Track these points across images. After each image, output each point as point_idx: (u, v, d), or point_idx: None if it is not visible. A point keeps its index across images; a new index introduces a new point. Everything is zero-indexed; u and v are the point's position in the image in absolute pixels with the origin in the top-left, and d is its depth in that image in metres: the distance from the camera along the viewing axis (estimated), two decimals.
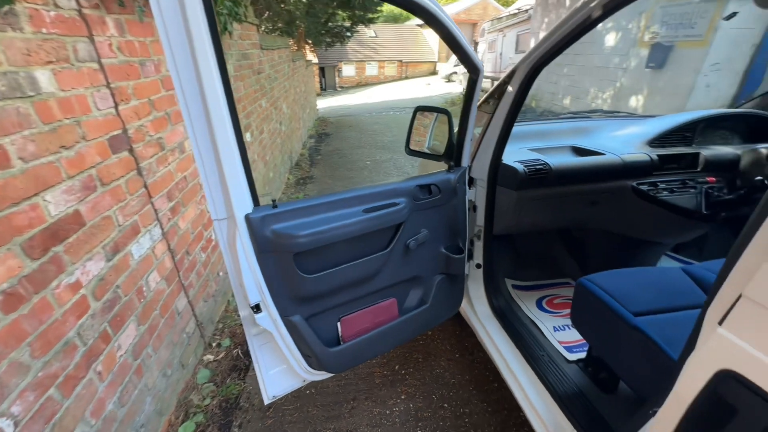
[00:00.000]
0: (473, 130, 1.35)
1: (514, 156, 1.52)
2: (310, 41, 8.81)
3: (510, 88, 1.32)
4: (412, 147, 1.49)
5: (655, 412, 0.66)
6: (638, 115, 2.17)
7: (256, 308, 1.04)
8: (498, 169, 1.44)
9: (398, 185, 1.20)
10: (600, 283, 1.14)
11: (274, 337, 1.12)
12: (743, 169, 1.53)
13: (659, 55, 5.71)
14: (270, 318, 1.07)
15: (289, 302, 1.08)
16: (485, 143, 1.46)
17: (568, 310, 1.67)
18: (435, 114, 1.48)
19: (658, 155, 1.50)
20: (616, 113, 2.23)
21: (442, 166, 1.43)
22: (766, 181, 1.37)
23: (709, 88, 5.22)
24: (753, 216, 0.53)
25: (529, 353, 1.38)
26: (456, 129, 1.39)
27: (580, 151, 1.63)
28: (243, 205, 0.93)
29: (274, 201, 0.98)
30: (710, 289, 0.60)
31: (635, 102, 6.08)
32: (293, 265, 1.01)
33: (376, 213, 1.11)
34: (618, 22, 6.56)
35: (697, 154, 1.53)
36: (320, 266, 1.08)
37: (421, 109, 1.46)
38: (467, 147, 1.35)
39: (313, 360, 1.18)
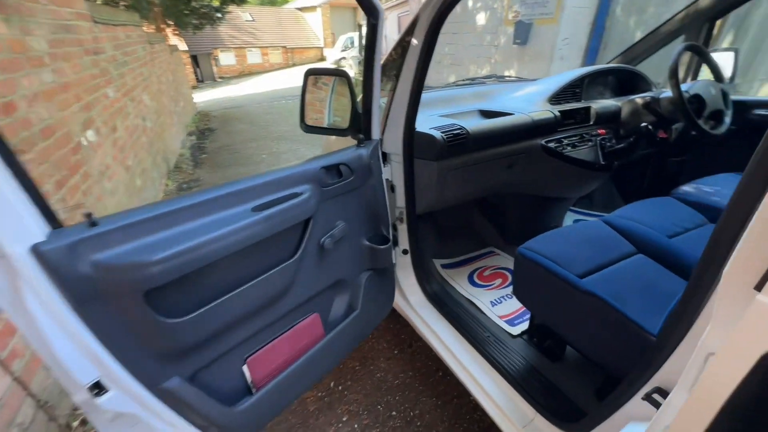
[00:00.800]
0: (380, 96, 1.13)
1: (427, 123, 1.35)
2: (171, 22, 7.49)
3: (414, 41, 1.13)
4: (308, 122, 1.20)
5: (655, 401, 0.55)
6: (527, 79, 2.24)
7: (97, 388, 0.65)
8: (413, 140, 1.26)
9: (297, 169, 0.91)
10: (538, 249, 1.05)
11: (144, 419, 0.74)
12: (624, 119, 1.65)
13: (522, 32, 6.33)
14: (128, 395, 0.69)
15: (156, 364, 0.71)
16: (395, 111, 1.25)
17: (499, 281, 1.62)
18: (333, 78, 1.21)
19: (559, 111, 1.50)
20: (507, 77, 2.27)
21: (348, 142, 1.18)
22: (650, 127, 1.48)
23: (563, 60, 6.00)
24: (760, 151, 0.41)
25: (473, 337, 1.26)
26: (361, 96, 1.15)
27: (488, 114, 1.55)
28: (23, 231, 0.53)
29: (89, 216, 0.60)
30: (706, 246, 0.48)
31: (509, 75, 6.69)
32: (148, 310, 0.65)
33: (272, 210, 0.81)
34: (485, 2, 7.08)
35: (588, 108, 1.59)
36: (197, 300, 0.74)
37: (313, 73, 1.17)
38: (376, 114, 1.12)
39: (214, 430, 0.84)
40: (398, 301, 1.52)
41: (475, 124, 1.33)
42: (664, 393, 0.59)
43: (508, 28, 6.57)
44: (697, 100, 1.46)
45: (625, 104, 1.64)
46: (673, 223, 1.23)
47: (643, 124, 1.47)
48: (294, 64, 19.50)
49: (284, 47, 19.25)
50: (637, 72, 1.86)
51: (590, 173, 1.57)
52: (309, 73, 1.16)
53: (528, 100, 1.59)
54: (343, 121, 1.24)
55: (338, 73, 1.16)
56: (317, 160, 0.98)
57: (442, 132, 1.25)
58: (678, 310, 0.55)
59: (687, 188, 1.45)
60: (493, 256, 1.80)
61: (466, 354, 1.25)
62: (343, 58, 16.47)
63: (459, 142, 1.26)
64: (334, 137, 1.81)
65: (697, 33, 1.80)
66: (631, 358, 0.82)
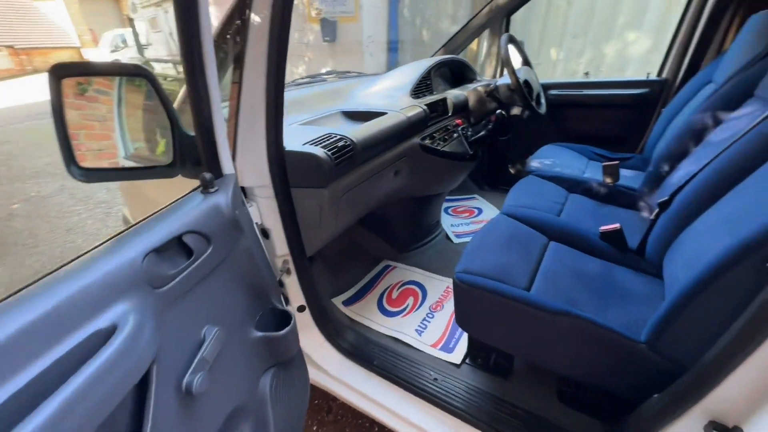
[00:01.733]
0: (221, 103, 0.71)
1: (293, 138, 0.99)
2: None
3: (256, 18, 0.74)
4: (85, 163, 0.65)
5: None
6: (367, 74, 2.11)
7: None
8: (284, 163, 0.88)
9: (90, 277, 0.42)
10: (474, 269, 0.89)
11: None
12: (472, 108, 1.70)
13: (329, 30, 6.39)
14: None
15: None
16: (245, 126, 0.84)
17: (411, 299, 1.44)
18: (116, 82, 0.69)
19: (426, 105, 1.40)
20: (348, 73, 2.08)
21: (181, 187, 0.71)
22: (504, 113, 1.55)
23: (372, 56, 6.40)
24: None
25: (419, 387, 1.03)
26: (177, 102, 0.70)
27: (355, 116, 1.31)
28: None
29: None
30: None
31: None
32: None
33: (41, 417, 0.32)
34: None
35: (445, 99, 1.55)
36: None
37: (69, 72, 0.61)
38: (222, 132, 0.70)
39: None
40: (311, 375, 1.14)
41: (356, 131, 1.06)
42: (722, 428, 0.51)
43: (314, 26, 6.50)
44: (527, 85, 1.63)
45: (470, 93, 1.69)
46: (551, 200, 1.31)
47: (499, 111, 1.54)
48: (36, 71, 14.28)
49: (12, 47, 13.79)
50: (466, 62, 1.98)
51: (463, 164, 1.55)
52: (60, 74, 0.58)
53: (391, 97, 1.43)
54: (155, 151, 0.75)
55: (132, 72, 0.66)
56: (134, 241, 0.50)
57: (324, 147, 0.92)
58: (736, 337, 0.46)
59: (535, 164, 1.61)
60: (391, 272, 1.61)
61: (418, 412, 1.01)
62: (117, 59, 13.07)
63: (347, 157, 0.96)
64: (145, 182, 1.20)
65: (499, 26, 2.05)
66: (616, 368, 0.75)
